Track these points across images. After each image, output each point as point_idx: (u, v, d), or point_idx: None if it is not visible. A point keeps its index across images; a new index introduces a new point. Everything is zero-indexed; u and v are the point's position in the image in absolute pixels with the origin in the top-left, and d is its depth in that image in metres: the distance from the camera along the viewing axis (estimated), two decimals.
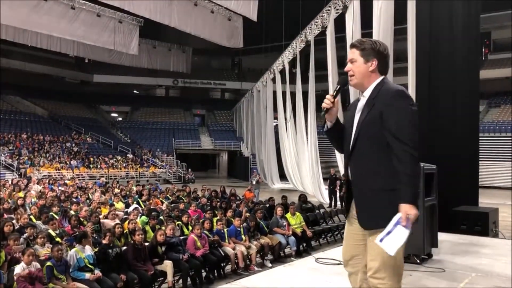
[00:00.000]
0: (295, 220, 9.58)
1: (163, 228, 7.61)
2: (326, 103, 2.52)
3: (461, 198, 7.55)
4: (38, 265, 5.54)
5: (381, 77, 2.51)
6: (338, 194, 16.98)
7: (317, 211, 11.78)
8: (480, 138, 9.48)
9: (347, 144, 2.56)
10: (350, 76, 2.55)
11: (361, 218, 2.48)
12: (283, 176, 27.85)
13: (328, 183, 17.77)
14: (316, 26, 20.92)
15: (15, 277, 5.29)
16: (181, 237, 7.81)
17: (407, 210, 2.24)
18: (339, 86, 2.59)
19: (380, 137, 2.40)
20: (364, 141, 2.46)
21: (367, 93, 2.52)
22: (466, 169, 7.89)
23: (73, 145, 32.45)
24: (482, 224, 6.97)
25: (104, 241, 6.54)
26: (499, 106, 33.97)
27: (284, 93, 26.20)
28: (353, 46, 2.55)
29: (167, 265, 6.79)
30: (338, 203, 16.45)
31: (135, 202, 11.71)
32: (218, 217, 9.02)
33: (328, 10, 19.30)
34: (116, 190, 14.06)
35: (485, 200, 10.53)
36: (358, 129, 2.49)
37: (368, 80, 2.51)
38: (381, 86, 2.48)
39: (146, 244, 7.06)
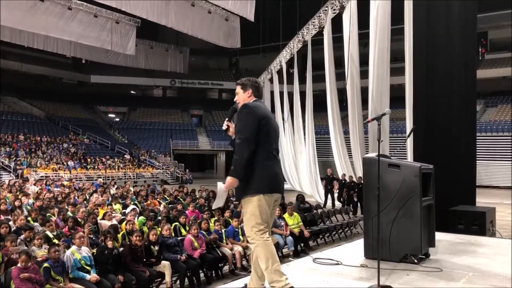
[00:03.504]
0: (293, 220, 9.58)
1: (159, 229, 7.60)
2: (224, 126, 3.64)
3: (459, 198, 7.56)
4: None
5: (254, 99, 3.56)
6: (335, 194, 16.97)
7: (314, 211, 11.78)
8: (477, 137, 9.51)
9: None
10: (237, 102, 3.60)
11: None
12: None
13: (325, 183, 17.74)
14: (313, 26, 20.91)
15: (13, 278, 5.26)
16: (179, 238, 7.80)
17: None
18: (231, 112, 3.62)
19: None
20: None
21: None
22: (464, 168, 7.89)
23: (70, 146, 32.38)
24: (479, 224, 6.98)
25: (108, 245, 6.51)
26: (496, 105, 34.10)
27: (281, 93, 26.20)
28: (237, 84, 3.63)
29: (165, 266, 6.79)
30: (336, 202, 16.44)
31: (132, 203, 11.68)
32: (216, 218, 9.01)
33: (325, 10, 19.32)
34: (112, 191, 14.02)
35: (482, 200, 10.54)
36: None
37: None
38: None
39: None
